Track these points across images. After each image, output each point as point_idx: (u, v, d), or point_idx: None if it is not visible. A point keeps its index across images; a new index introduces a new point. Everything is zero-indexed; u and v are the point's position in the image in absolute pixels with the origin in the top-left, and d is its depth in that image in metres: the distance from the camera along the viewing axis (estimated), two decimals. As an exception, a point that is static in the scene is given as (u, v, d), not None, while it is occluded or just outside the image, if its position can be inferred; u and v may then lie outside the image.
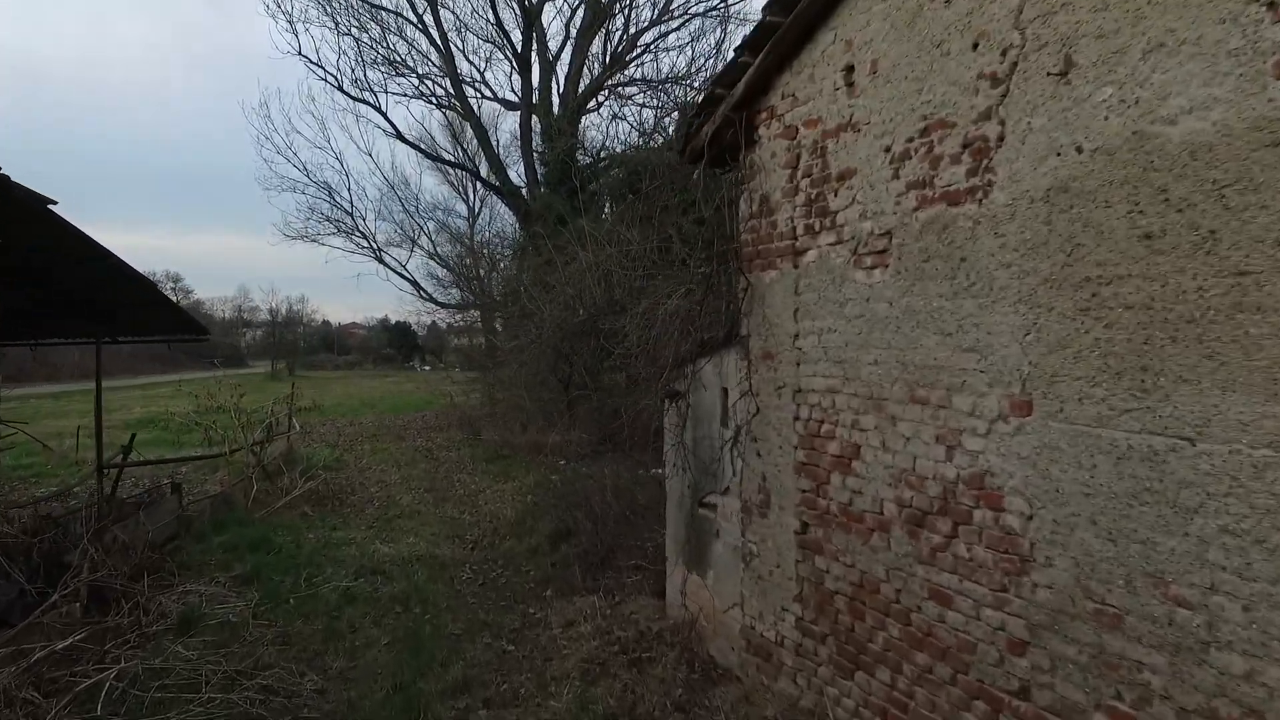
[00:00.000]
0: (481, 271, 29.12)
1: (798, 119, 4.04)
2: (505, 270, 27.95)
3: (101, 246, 5.90)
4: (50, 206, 5.19)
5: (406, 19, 21.73)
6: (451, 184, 34.01)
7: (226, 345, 72.32)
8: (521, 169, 23.03)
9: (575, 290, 12.54)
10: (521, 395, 13.27)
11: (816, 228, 3.90)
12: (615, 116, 24.85)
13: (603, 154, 20.63)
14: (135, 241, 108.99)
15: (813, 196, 3.93)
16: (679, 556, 5.65)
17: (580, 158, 22.02)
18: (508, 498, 11.24)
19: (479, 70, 25.44)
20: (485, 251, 29.99)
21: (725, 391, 4.95)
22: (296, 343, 62.66)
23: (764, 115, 4.32)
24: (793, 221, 4.10)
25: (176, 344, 8.49)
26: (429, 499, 11.25)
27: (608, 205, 16.95)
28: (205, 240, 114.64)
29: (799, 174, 4.04)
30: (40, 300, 6.93)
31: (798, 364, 4.07)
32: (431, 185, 61.11)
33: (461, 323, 38.86)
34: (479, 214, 38.23)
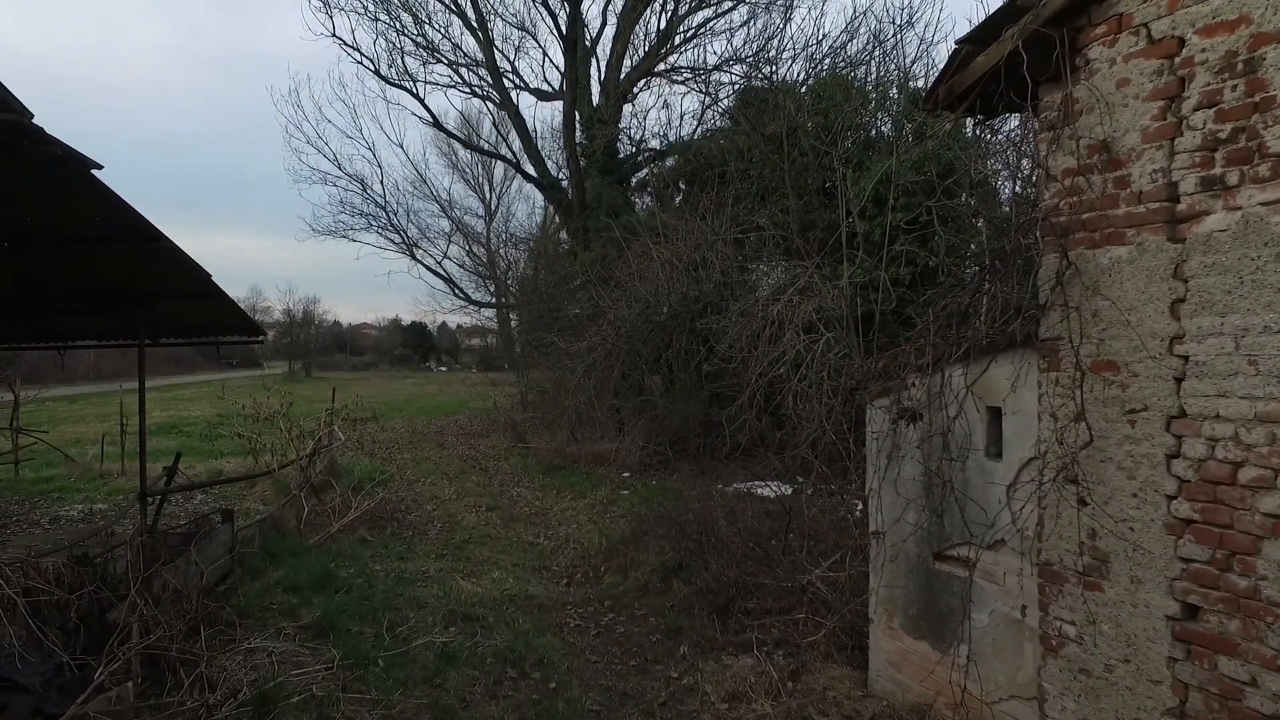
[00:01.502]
0: (499, 270, 28.09)
1: (1186, 25, 2.80)
2: (525, 270, 26.87)
3: (153, 225, 4.72)
4: (95, 171, 4.03)
5: (442, 2, 20.58)
6: (468, 182, 33.17)
7: (240, 346, 71.54)
8: (563, 158, 21.83)
9: (652, 286, 11.34)
10: (584, 400, 12.03)
11: (1232, 180, 2.66)
12: (661, 103, 23.15)
13: (654, 142, 19.36)
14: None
15: (1221, 135, 2.70)
16: (893, 618, 4.41)
17: (624, 147, 20.85)
18: (583, 518, 10.03)
19: (510, 60, 24.27)
20: (505, 252, 28.93)
21: (993, 412, 3.72)
22: (310, 343, 61.67)
23: (1103, 29, 3.09)
24: (1167, 175, 2.87)
25: (224, 346, 7.30)
26: (495, 520, 10.05)
27: (679, 196, 15.68)
28: (215, 240, 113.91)
29: (1186, 105, 2.81)
30: (73, 289, 5.76)
31: (1178, 379, 2.84)
32: (449, 183, 60.01)
33: (476, 322, 37.91)
34: (496, 212, 37.28)
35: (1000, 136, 8.63)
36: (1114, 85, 3.06)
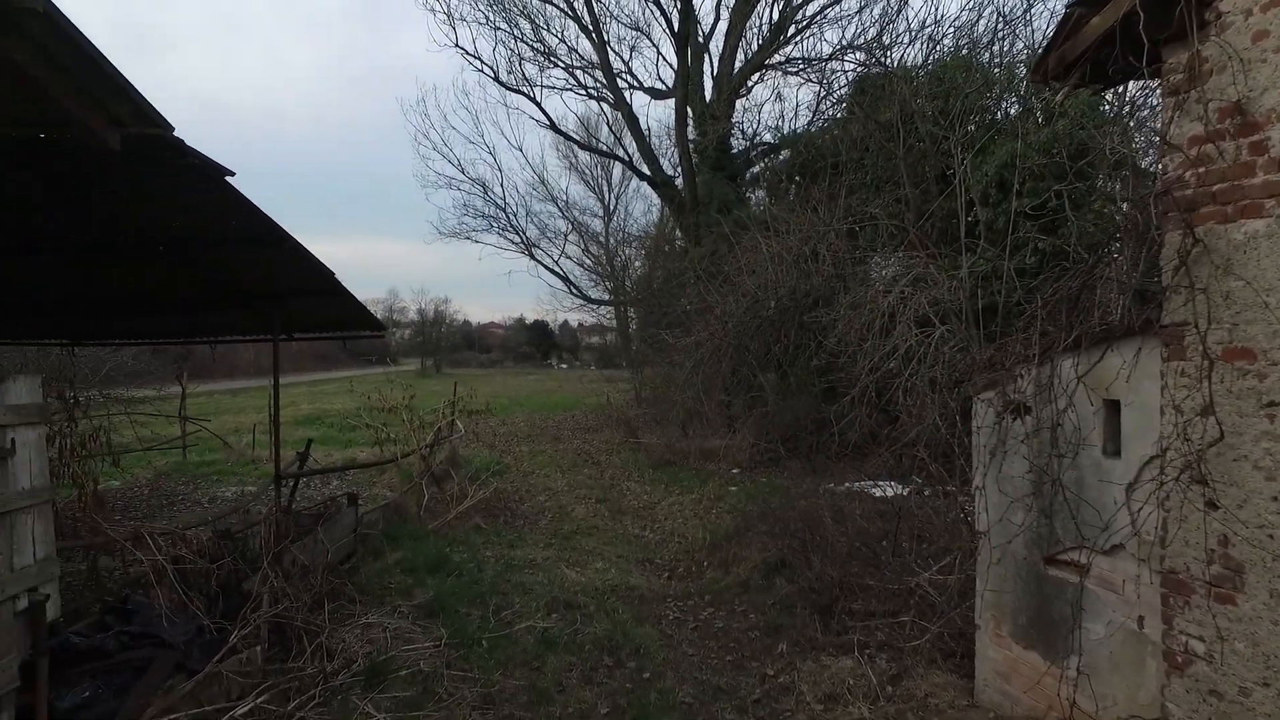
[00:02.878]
0: (616, 268, 28.53)
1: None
2: (641, 269, 27.13)
3: (280, 227, 5.14)
4: (228, 179, 4.43)
5: (558, 7, 21.16)
6: (586, 183, 33.96)
7: (379, 344, 76.58)
8: (676, 156, 21.92)
9: (760, 280, 11.18)
10: (691, 397, 12.02)
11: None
12: (775, 96, 22.82)
13: (767, 136, 19.07)
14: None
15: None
16: (1001, 625, 4.15)
17: (736, 142, 20.66)
18: (689, 513, 10.03)
19: (624, 60, 24.69)
20: (622, 251, 29.35)
21: (1110, 405, 3.41)
22: (441, 341, 65.04)
23: (1237, -23, 2.77)
24: (1312, 136, 2.53)
25: (350, 341, 7.84)
26: (603, 511, 10.23)
27: (791, 190, 15.40)
28: (360, 246, 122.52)
29: (1336, 55, 2.47)
30: (213, 289, 6.36)
31: (1327, 367, 2.50)
32: (567, 184, 61.52)
33: (596, 321, 38.72)
34: (614, 212, 37.92)
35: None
36: (1249, 39, 2.73)
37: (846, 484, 11.70)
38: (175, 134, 3.97)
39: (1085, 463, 3.52)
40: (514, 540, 8.60)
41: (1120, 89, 8.96)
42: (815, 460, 13.33)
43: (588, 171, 35.44)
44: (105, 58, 3.16)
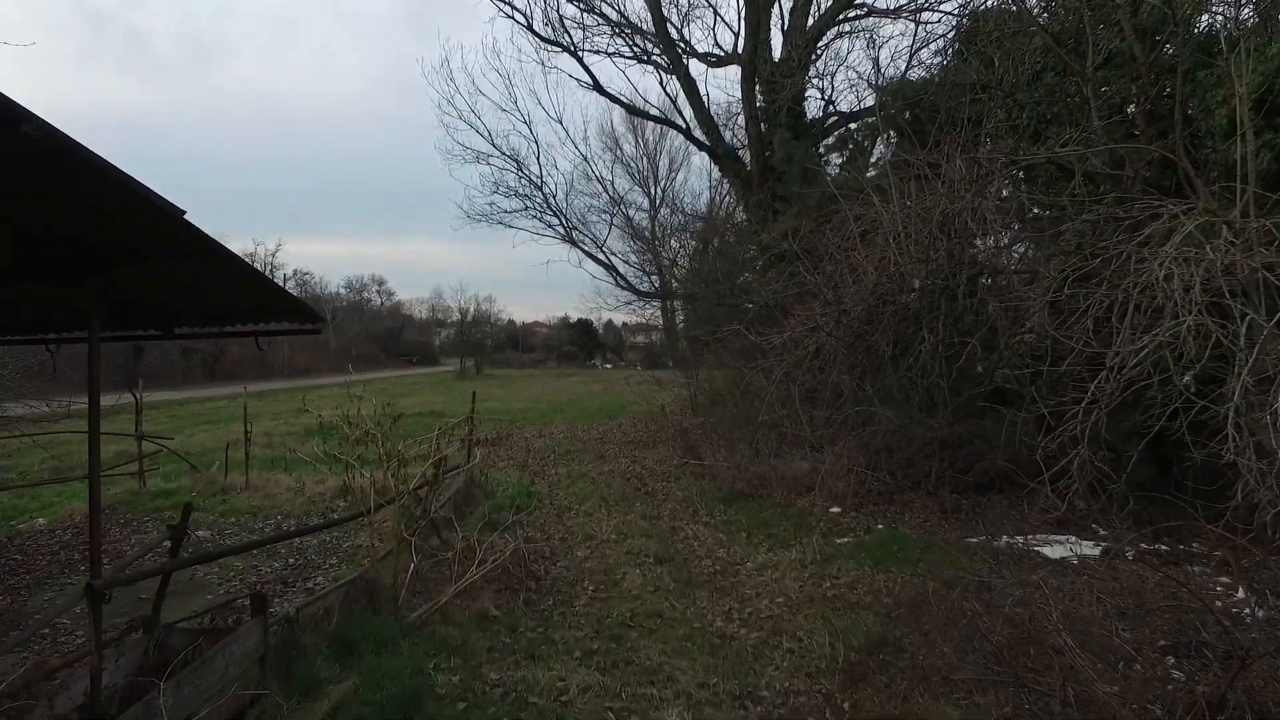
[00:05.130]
0: (664, 263, 25.66)
1: None
2: (691, 262, 24.03)
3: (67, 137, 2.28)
4: None
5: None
6: (632, 176, 31.51)
7: (421, 344, 75.01)
8: (739, 126, 18.76)
9: (881, 258, 8.02)
10: (785, 413, 8.95)
11: None
12: (867, 42, 19.27)
13: (850, 95, 15.83)
14: (352, 250, 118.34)
15: None
16: None
17: (812, 107, 17.48)
18: (792, 586, 6.94)
19: (677, 25, 21.63)
20: (669, 245, 26.43)
21: None
22: (484, 341, 63.01)
23: None
24: None
25: (269, 339, 4.98)
26: (665, 580, 7.21)
27: (888, 152, 12.20)
28: (408, 247, 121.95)
29: None
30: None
31: None
32: (611, 175, 58.71)
33: (641, 320, 35.95)
34: (660, 206, 35.03)
35: None
36: None
37: (1007, 538, 8.48)
38: None
39: None
40: (536, 643, 5.63)
41: None
42: (943, 496, 10.11)
43: (633, 164, 32.75)
44: None
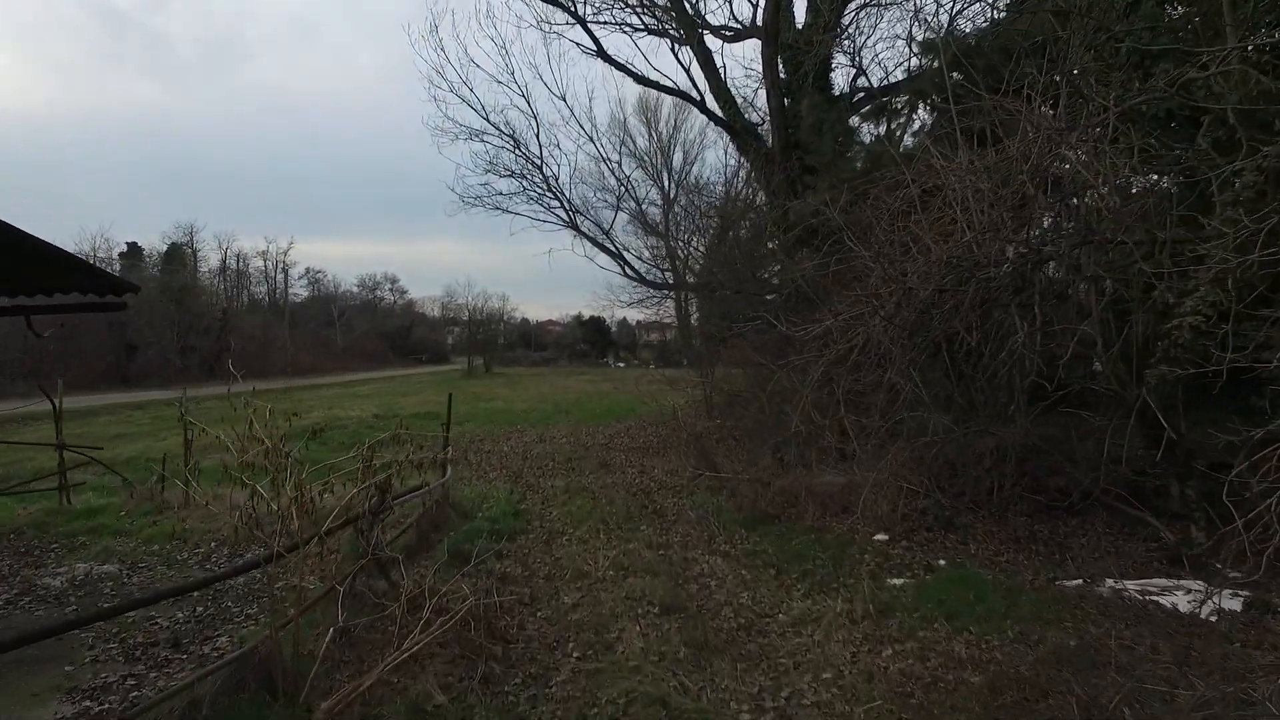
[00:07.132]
0: (678, 257, 24.03)
1: None
2: (709, 240, 22.33)
3: None
4: None
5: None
6: (645, 171, 30.00)
7: (433, 342, 73.71)
8: (761, 99, 17.00)
9: (939, 231, 6.28)
10: (828, 421, 7.23)
11: None
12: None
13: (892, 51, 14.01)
14: (364, 250, 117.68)
15: None
16: None
17: (839, 78, 15.67)
18: (840, 655, 5.23)
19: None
20: (684, 241, 24.78)
21: None
22: (494, 339, 61.57)
23: None
24: None
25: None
26: (674, 643, 5.48)
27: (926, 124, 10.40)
28: (421, 246, 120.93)
29: None
30: None
31: None
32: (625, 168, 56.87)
33: (654, 317, 34.35)
34: (674, 201, 33.44)
35: None
36: None
37: (1110, 582, 6.69)
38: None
39: None
40: (488, 751, 3.99)
41: None
42: (1014, 521, 8.34)
43: (646, 159, 31.13)
44: None
